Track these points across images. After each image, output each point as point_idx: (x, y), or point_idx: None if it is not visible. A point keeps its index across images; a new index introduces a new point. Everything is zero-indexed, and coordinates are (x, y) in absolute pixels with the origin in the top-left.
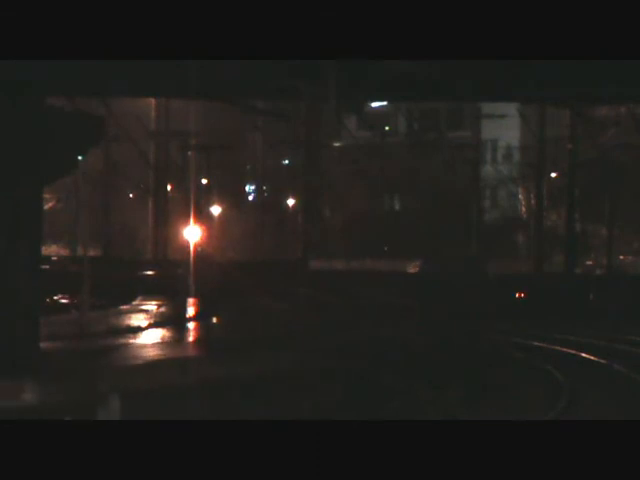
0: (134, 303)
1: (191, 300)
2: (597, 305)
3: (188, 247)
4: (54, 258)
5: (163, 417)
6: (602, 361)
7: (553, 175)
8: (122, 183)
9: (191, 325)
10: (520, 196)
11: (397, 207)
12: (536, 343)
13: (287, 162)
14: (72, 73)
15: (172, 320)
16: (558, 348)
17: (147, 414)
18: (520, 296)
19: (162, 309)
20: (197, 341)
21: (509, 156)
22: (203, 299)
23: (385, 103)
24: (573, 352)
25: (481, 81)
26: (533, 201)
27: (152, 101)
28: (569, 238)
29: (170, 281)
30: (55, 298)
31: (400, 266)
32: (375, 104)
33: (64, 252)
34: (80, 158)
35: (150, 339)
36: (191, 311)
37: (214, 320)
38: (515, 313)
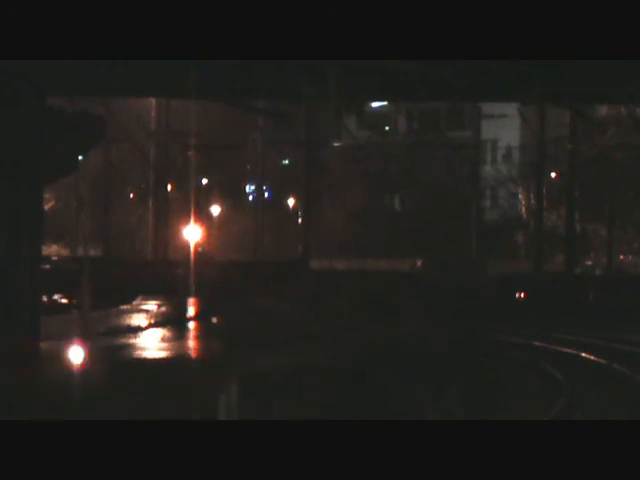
0: (134, 303)
1: (191, 300)
2: (597, 305)
3: (188, 247)
4: (54, 258)
5: None
6: (602, 361)
7: (553, 175)
8: (122, 183)
9: (191, 325)
10: (520, 196)
11: (397, 207)
12: (536, 343)
13: (287, 162)
14: (72, 73)
15: (172, 320)
16: (558, 348)
17: None
18: (520, 296)
19: (162, 309)
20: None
21: (509, 156)
22: (203, 299)
23: (385, 103)
24: (573, 352)
25: (481, 81)
26: (533, 201)
27: (152, 101)
28: (569, 238)
29: (170, 281)
30: (55, 298)
31: (400, 266)
32: (375, 104)
33: (64, 252)
34: (80, 158)
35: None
36: (191, 311)
37: (214, 320)
38: (515, 313)
